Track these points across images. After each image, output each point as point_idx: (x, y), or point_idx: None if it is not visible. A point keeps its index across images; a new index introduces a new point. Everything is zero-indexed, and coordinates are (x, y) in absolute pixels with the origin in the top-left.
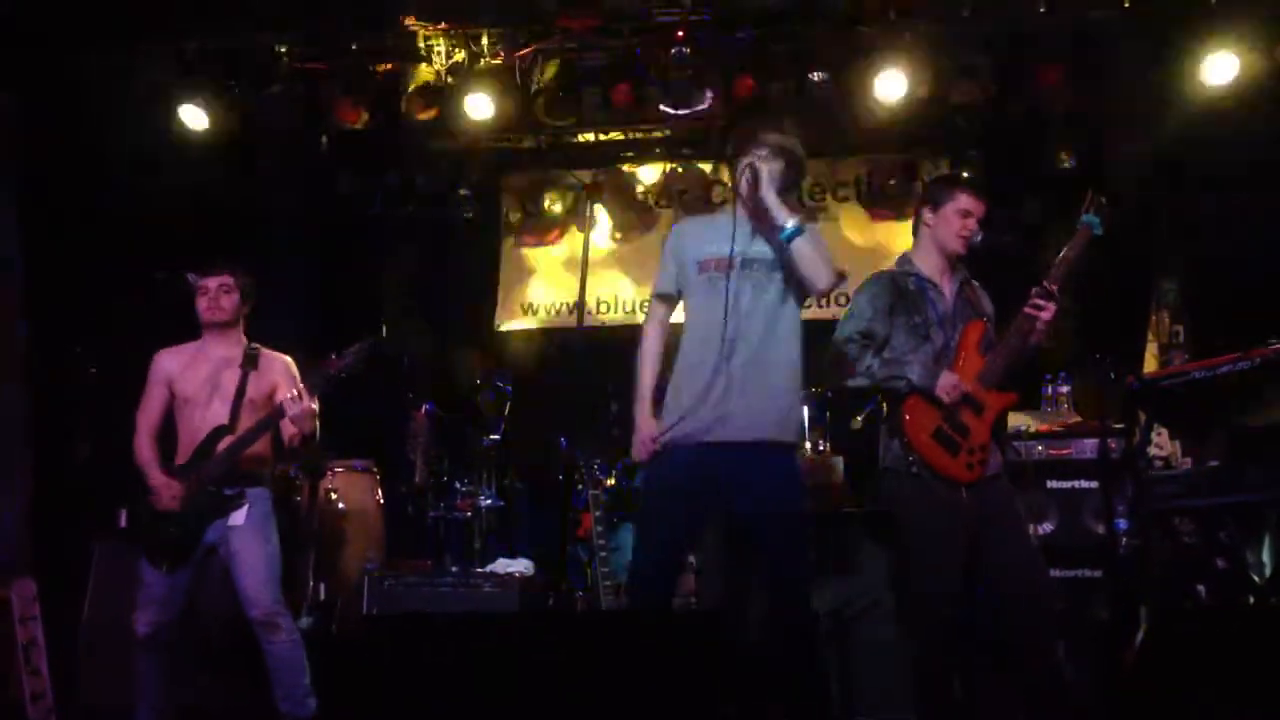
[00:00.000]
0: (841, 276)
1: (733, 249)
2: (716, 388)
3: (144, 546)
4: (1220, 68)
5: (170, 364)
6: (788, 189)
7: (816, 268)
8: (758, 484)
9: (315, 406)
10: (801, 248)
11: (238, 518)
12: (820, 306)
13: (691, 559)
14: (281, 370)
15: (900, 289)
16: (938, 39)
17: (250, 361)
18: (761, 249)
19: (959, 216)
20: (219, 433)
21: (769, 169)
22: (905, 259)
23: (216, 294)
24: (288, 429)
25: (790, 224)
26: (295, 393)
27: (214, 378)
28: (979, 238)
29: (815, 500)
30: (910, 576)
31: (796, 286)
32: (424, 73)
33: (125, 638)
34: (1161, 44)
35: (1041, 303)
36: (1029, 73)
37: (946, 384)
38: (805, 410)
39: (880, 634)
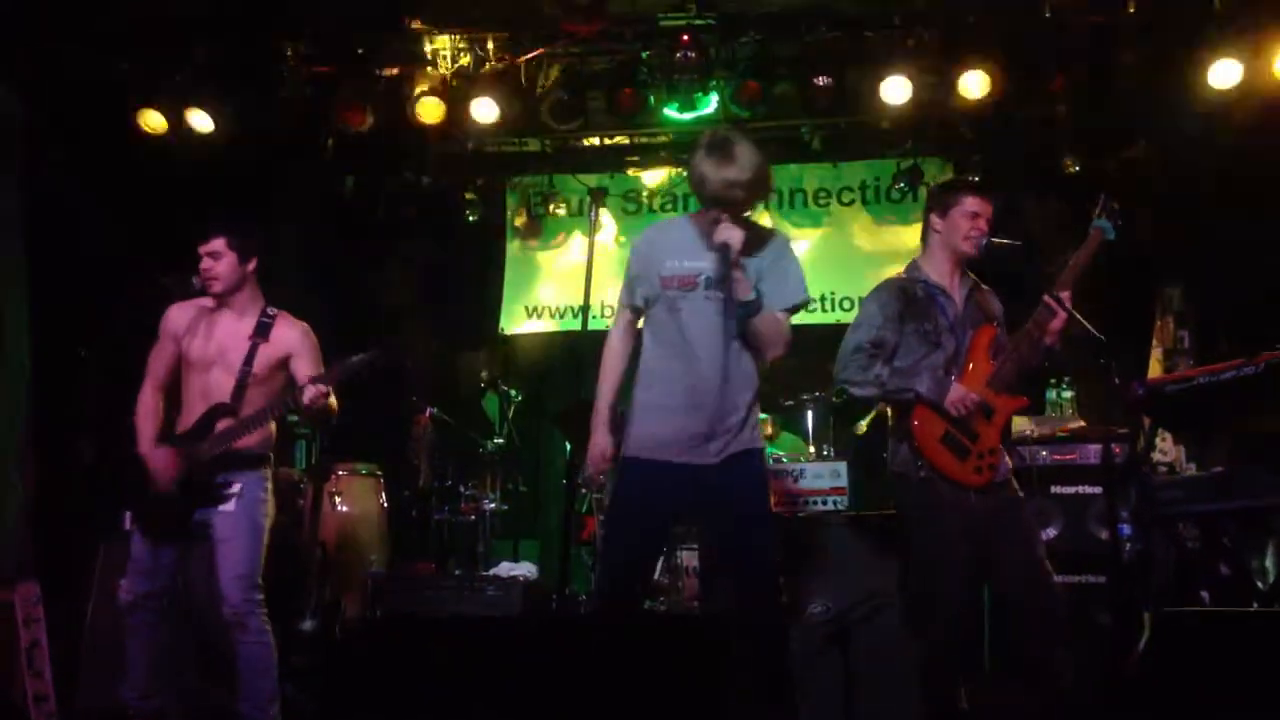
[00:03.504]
0: (803, 304)
1: (696, 268)
2: (684, 407)
3: (133, 513)
4: (1224, 74)
5: (180, 320)
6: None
7: (769, 344)
8: (726, 499)
9: (330, 399)
10: (757, 326)
11: (228, 505)
12: (825, 311)
13: (695, 563)
14: (295, 338)
15: (909, 296)
16: (942, 44)
17: (262, 332)
18: (711, 266)
19: (967, 219)
20: (219, 410)
21: (737, 238)
22: (914, 266)
23: (209, 262)
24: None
25: (748, 298)
26: (309, 387)
27: (222, 344)
28: (985, 240)
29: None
30: (917, 581)
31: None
32: (430, 76)
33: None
34: (1166, 49)
35: (1052, 307)
36: (1033, 78)
37: (955, 397)
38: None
39: (885, 638)
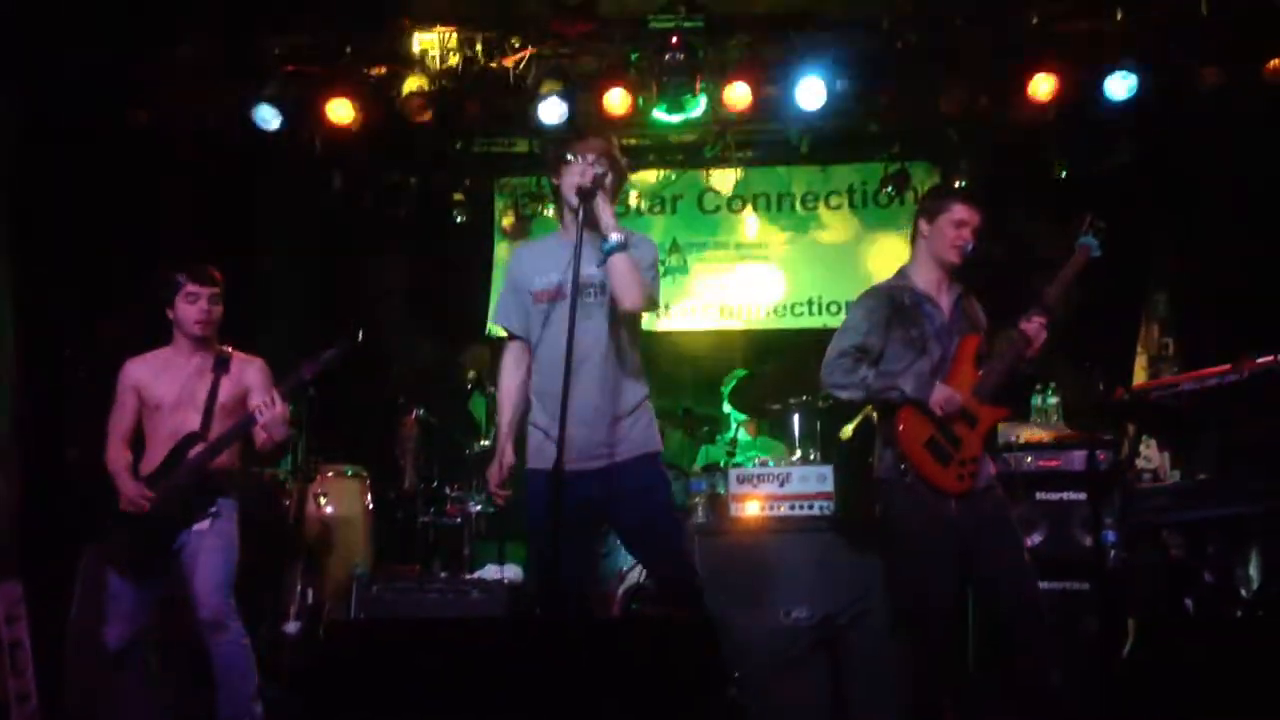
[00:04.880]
0: (652, 304)
1: (565, 278)
2: (570, 421)
3: (113, 558)
4: (1211, 80)
5: (140, 372)
6: (615, 197)
7: (626, 286)
8: (627, 505)
9: (286, 413)
10: (618, 264)
11: (203, 524)
12: (811, 315)
13: None
14: (254, 374)
15: (897, 303)
16: (930, 48)
17: (221, 366)
18: (591, 271)
19: (953, 227)
20: (190, 439)
21: (608, 177)
22: (902, 273)
23: (209, 305)
24: (259, 435)
25: (614, 238)
26: (267, 399)
27: (186, 384)
28: (970, 247)
29: None
30: (902, 585)
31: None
32: (419, 76)
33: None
34: (1152, 55)
35: (1037, 321)
36: (1021, 82)
37: (941, 397)
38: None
39: (871, 642)
